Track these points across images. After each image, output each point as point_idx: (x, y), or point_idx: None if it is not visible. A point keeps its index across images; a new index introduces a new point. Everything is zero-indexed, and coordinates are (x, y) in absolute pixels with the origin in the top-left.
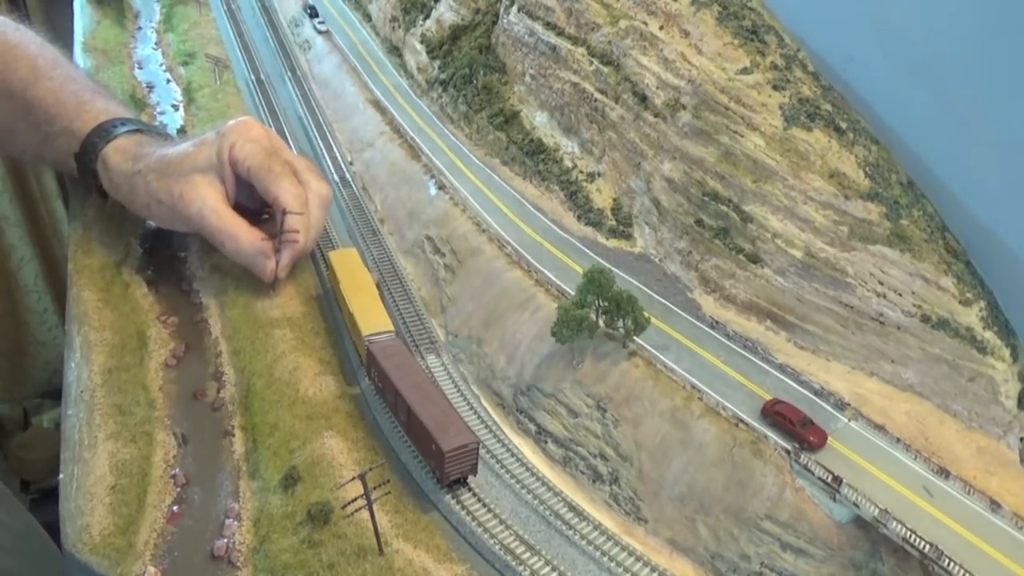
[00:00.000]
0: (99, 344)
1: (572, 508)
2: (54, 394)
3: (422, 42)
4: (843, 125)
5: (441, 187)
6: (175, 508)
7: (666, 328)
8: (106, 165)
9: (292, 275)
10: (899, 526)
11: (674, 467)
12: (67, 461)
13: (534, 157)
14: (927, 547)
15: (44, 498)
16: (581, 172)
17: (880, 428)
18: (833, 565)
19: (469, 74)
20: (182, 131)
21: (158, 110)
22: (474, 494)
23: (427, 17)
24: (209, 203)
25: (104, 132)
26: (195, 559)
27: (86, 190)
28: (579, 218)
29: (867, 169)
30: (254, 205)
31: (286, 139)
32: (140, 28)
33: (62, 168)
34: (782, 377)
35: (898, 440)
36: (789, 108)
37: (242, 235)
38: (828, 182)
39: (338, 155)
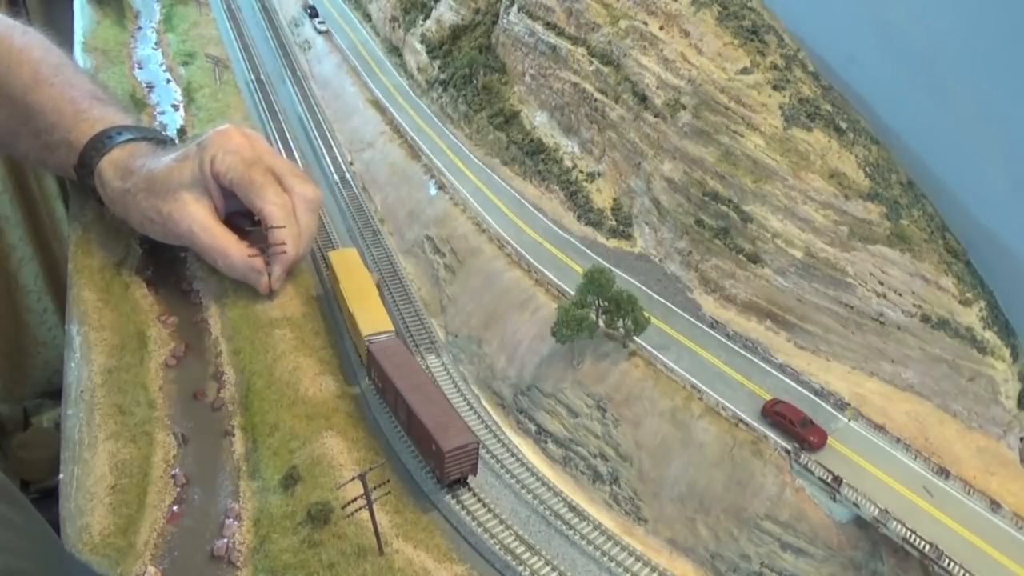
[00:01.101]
0: (99, 344)
1: (572, 508)
2: (54, 394)
3: (422, 42)
4: (843, 125)
5: (441, 187)
6: (175, 508)
7: (666, 328)
8: (102, 180)
9: (292, 275)
10: (899, 526)
11: (674, 467)
12: (67, 461)
13: (534, 157)
14: (927, 547)
15: (44, 498)
16: (581, 172)
17: (880, 428)
18: (833, 565)
19: (469, 74)
20: (182, 131)
21: (158, 110)
22: (474, 494)
23: (427, 17)
24: (199, 220)
25: (99, 144)
26: (195, 559)
27: (87, 197)
28: (579, 218)
29: (867, 169)
30: (247, 210)
31: (286, 139)
32: (140, 28)
33: (63, 173)
34: (782, 377)
35: (898, 440)
36: (789, 108)
37: (232, 252)
38: (828, 182)
39: (338, 155)
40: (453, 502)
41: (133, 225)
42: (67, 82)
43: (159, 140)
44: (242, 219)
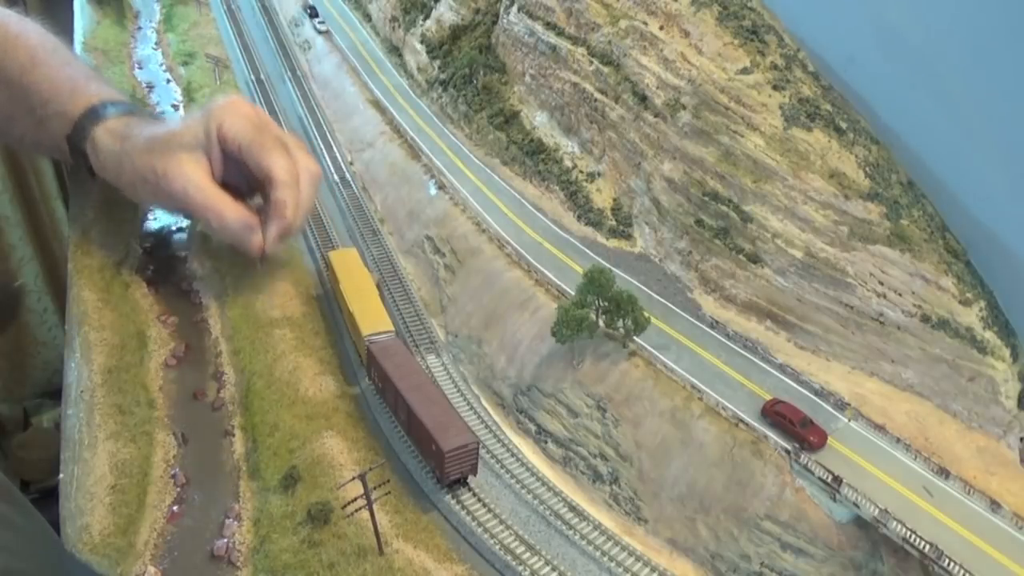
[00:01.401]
0: (99, 344)
1: (572, 508)
2: (54, 394)
3: (422, 42)
4: (843, 125)
5: (441, 187)
6: (175, 508)
7: (666, 328)
8: (95, 146)
9: (292, 275)
10: (899, 526)
11: (674, 467)
12: (67, 461)
13: (534, 157)
14: (927, 547)
15: (44, 498)
16: (581, 172)
17: (880, 428)
18: (833, 565)
19: (469, 74)
20: None
21: (158, 110)
22: (474, 494)
23: (427, 17)
24: (194, 180)
25: (94, 114)
26: (195, 559)
27: (79, 171)
28: (579, 218)
29: (867, 169)
30: (242, 186)
31: None
32: (140, 28)
33: (57, 153)
34: (782, 377)
35: (898, 440)
36: (789, 108)
37: (227, 210)
38: (828, 182)
39: (338, 155)
40: (453, 502)
41: (124, 187)
42: (64, 62)
43: (154, 118)
44: (238, 195)
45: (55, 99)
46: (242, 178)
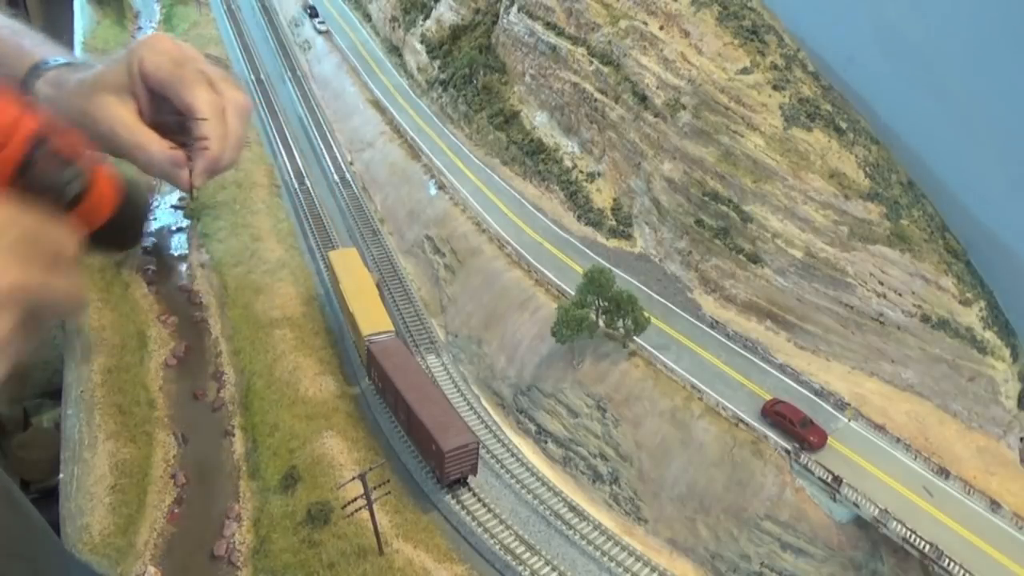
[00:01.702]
0: (99, 344)
1: (572, 508)
2: (54, 394)
3: (422, 42)
4: (843, 125)
5: (441, 187)
6: (175, 508)
7: (666, 328)
8: (36, 99)
9: (292, 275)
10: (899, 526)
11: (674, 467)
12: (67, 461)
13: (534, 157)
14: (927, 547)
15: (44, 498)
16: (581, 172)
17: (880, 428)
18: (833, 565)
19: (469, 74)
20: None
21: None
22: (474, 494)
23: (427, 17)
24: (118, 119)
25: (36, 69)
26: (195, 559)
27: None
28: (579, 218)
29: (867, 169)
30: (176, 126)
31: (286, 139)
32: (140, 28)
33: None
34: (782, 377)
35: (898, 440)
36: (789, 108)
37: (152, 146)
38: (828, 182)
39: (338, 155)
40: (453, 502)
41: None
42: (14, 32)
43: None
44: (172, 136)
45: (4, 64)
46: (175, 118)
